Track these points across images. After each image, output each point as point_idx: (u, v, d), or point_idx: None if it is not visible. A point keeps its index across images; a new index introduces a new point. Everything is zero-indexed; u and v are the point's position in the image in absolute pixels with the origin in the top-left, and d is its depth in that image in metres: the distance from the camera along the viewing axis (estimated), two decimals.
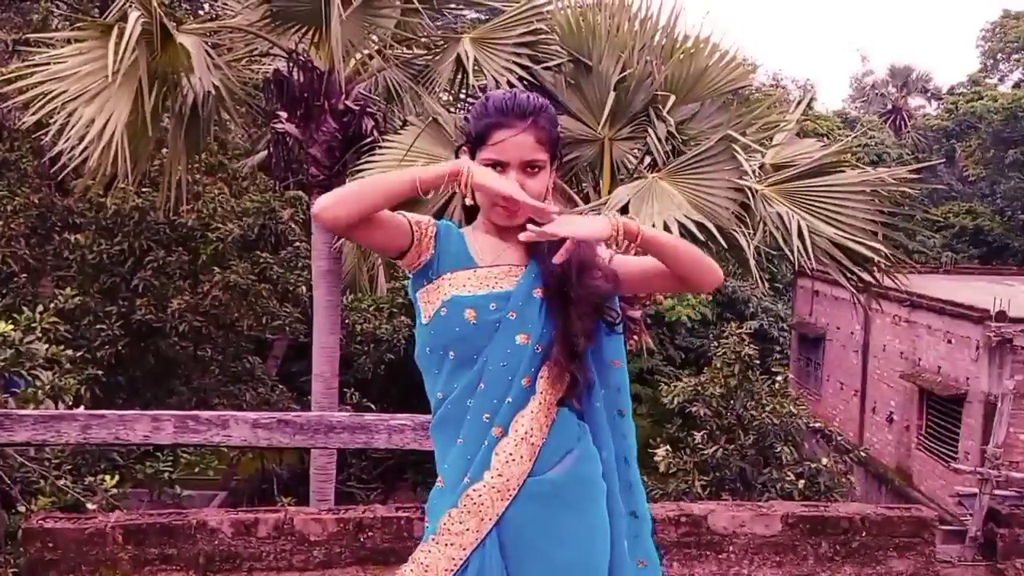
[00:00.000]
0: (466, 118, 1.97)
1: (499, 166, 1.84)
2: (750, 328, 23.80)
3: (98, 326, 11.28)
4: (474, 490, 1.84)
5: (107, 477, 5.29)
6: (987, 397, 13.17)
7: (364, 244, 1.87)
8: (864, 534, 3.67)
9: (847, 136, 35.42)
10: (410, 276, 1.94)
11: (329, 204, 1.77)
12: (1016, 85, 37.24)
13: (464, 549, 1.82)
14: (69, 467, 5.36)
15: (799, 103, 9.34)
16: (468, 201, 1.81)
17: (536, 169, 1.86)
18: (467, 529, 1.82)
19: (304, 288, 13.16)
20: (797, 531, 3.65)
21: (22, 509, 4.35)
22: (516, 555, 1.81)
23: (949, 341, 14.55)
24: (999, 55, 38.72)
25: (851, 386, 18.42)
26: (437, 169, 1.75)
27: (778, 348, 24.77)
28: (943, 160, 35.50)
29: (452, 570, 1.83)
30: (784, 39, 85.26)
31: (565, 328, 1.83)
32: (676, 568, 3.58)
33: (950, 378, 14.22)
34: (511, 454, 1.82)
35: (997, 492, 6.89)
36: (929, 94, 45.87)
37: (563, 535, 1.82)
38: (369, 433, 3.41)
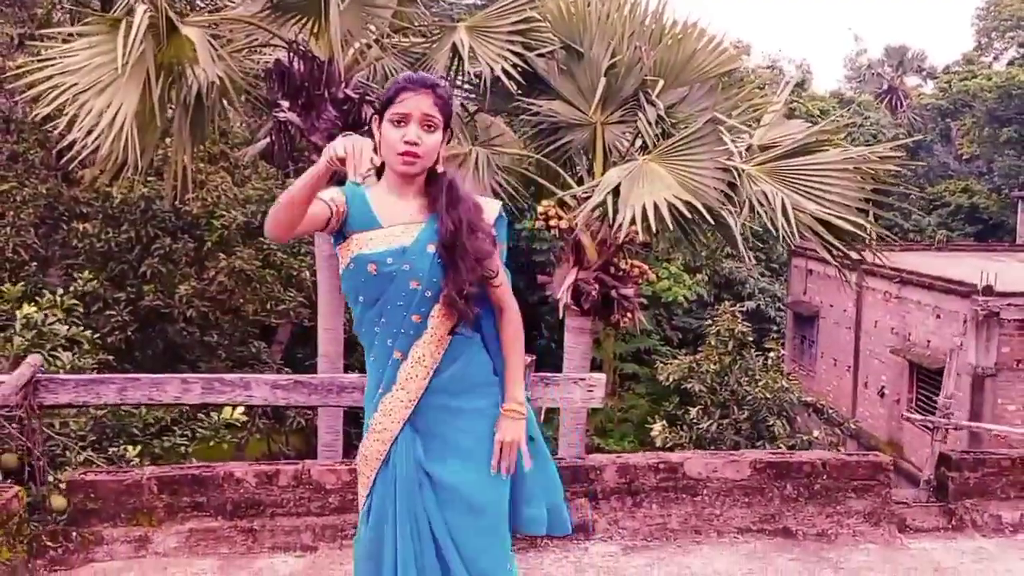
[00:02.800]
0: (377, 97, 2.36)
1: (403, 120, 2.23)
2: (747, 308, 24.13)
3: (108, 312, 11.57)
4: (386, 399, 2.33)
5: (129, 447, 5.62)
6: (974, 369, 13.48)
7: (307, 235, 2.36)
8: (825, 477, 3.97)
9: (842, 116, 35.64)
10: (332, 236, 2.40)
11: (270, 227, 2.22)
12: (1010, 63, 37.32)
13: (385, 443, 2.33)
14: (93, 439, 5.70)
15: (786, 85, 9.52)
16: (377, 161, 2.17)
17: (431, 127, 2.24)
18: (385, 428, 2.33)
19: (308, 273, 13.45)
20: (764, 475, 3.97)
21: (49, 479, 4.63)
22: (426, 441, 2.32)
23: (938, 316, 14.84)
24: (993, 33, 38.80)
25: (844, 362, 18.71)
26: (322, 160, 2.12)
27: (775, 328, 25.02)
28: (923, 138, 35.53)
29: (381, 456, 2.34)
30: (782, 21, 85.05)
31: (454, 276, 2.23)
32: (656, 509, 3.91)
33: (938, 352, 14.51)
34: (409, 373, 2.30)
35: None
36: (925, 73, 45.94)
37: (459, 425, 2.33)
38: None
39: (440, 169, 2.32)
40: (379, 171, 2.33)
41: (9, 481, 3.82)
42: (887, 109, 41.04)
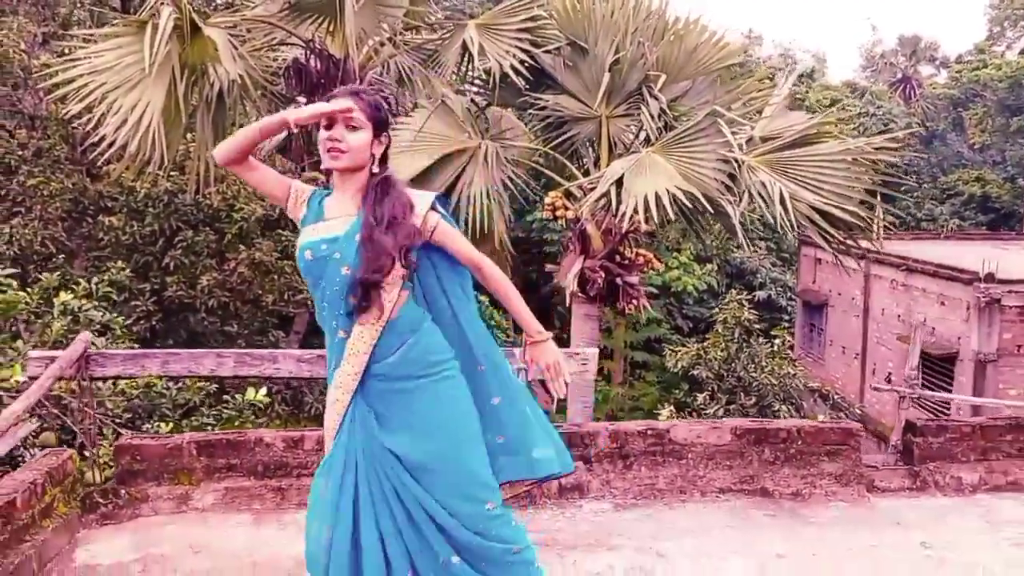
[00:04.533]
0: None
1: (329, 123, 2.54)
2: (757, 298, 24.36)
3: (133, 302, 11.98)
4: (338, 373, 2.61)
5: (162, 424, 6.03)
6: (977, 355, 13.74)
7: (256, 188, 2.67)
8: (800, 442, 4.32)
9: (849, 107, 35.66)
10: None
11: (219, 148, 2.59)
12: (1021, 52, 37.26)
13: (339, 414, 2.62)
14: (128, 416, 6.11)
15: (788, 78, 9.75)
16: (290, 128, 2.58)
17: (354, 127, 2.54)
18: (338, 400, 2.61)
19: None
20: (744, 440, 4.32)
21: (87, 454, 5.02)
22: (379, 417, 2.60)
23: (942, 303, 15.09)
24: (1006, 23, 38.75)
25: (852, 349, 18.96)
26: (279, 116, 2.55)
27: (786, 317, 25.23)
28: (935, 127, 35.42)
29: (336, 426, 2.62)
30: (800, 10, 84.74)
31: (364, 264, 2.49)
32: (645, 471, 4.27)
33: (943, 338, 14.77)
34: (351, 349, 2.57)
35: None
36: (938, 63, 45.88)
37: (405, 403, 2.60)
38: None
39: (376, 169, 2.61)
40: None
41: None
42: (900, 98, 41.02)
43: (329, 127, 2.54)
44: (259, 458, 4.10)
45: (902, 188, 36.11)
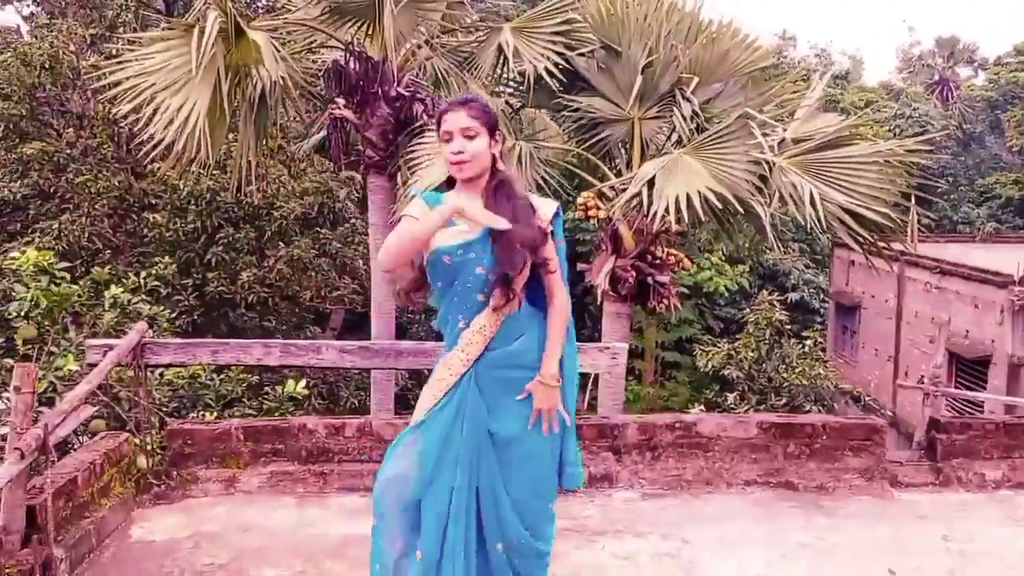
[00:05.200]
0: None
1: (448, 137, 2.73)
2: (790, 299, 24.29)
3: (175, 297, 12.30)
4: (449, 355, 2.82)
5: (206, 414, 6.27)
6: (1010, 359, 13.67)
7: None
8: (825, 437, 4.43)
9: (882, 109, 35.34)
10: None
11: (391, 263, 2.77)
12: None
13: (441, 390, 2.80)
14: (175, 406, 6.35)
15: (820, 81, 9.76)
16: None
17: (472, 136, 2.73)
18: (442, 379, 2.81)
19: (360, 262, 14.11)
20: (770, 435, 4.44)
21: (136, 441, 5.25)
22: (488, 404, 2.79)
23: (976, 306, 15.01)
24: None
25: (885, 352, 18.88)
26: (439, 213, 2.68)
27: (819, 319, 25.14)
28: (973, 129, 34.91)
29: (435, 399, 2.81)
30: (834, 12, 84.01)
31: (501, 262, 2.69)
32: (672, 463, 4.42)
33: (977, 341, 14.70)
34: (469, 339, 2.77)
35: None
36: (976, 64, 45.33)
37: (513, 392, 2.80)
38: (428, 356, 4.30)
39: (501, 167, 2.81)
40: (453, 181, 2.86)
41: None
42: (937, 100, 40.61)
43: (449, 141, 2.74)
44: (302, 444, 4.31)
45: (938, 191, 35.81)
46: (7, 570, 2.99)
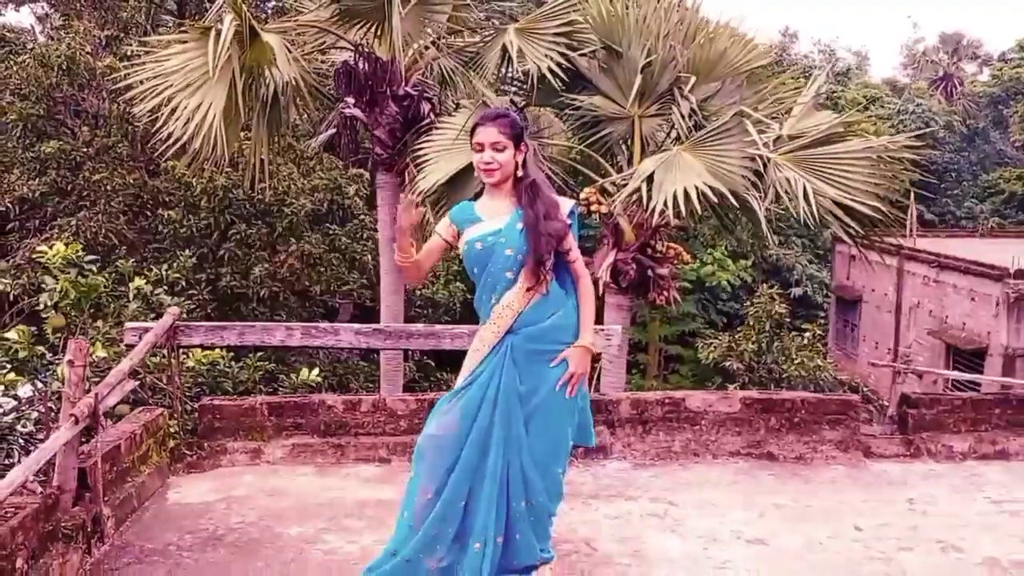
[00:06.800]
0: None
1: (480, 147, 3.16)
2: (793, 294, 24.55)
3: (190, 291, 12.65)
4: (482, 329, 3.23)
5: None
6: (1005, 350, 13.97)
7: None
8: (803, 412, 4.78)
9: (894, 103, 35.52)
10: None
11: (409, 280, 3.40)
12: None
13: (476, 361, 3.21)
14: (197, 391, 6.70)
15: (816, 78, 10.01)
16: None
17: (500, 148, 3.15)
18: (477, 349, 3.22)
19: (369, 257, 14.46)
20: (752, 409, 4.79)
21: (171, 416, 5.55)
22: (521, 374, 3.18)
23: (972, 299, 15.32)
24: None
25: (884, 344, 19.20)
26: (400, 233, 3.17)
27: (822, 314, 25.41)
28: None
29: (472, 367, 3.21)
30: (839, 8, 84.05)
31: (535, 247, 3.11)
32: (662, 435, 4.77)
33: (973, 333, 15.01)
34: (499, 312, 3.18)
35: None
36: (980, 60, 45.51)
37: (543, 362, 3.20)
38: (437, 339, 4.67)
39: (524, 173, 3.21)
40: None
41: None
42: (942, 96, 40.81)
43: (480, 151, 3.16)
44: (322, 418, 4.68)
45: (942, 186, 36.02)
46: (63, 524, 3.35)
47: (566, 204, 3.28)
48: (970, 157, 37.99)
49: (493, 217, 3.22)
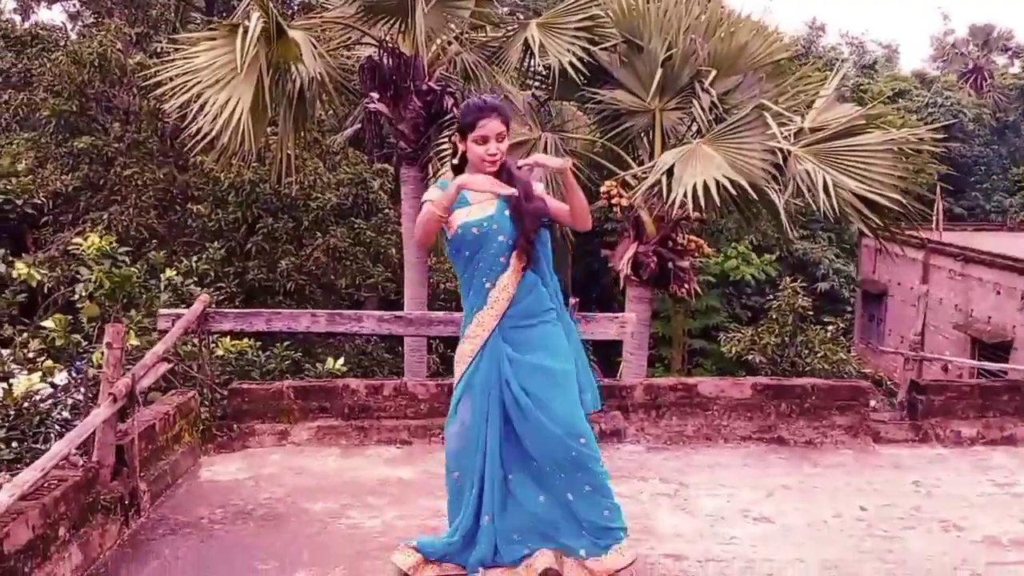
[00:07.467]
0: (457, 114, 3.48)
1: (484, 140, 3.21)
2: (820, 289, 24.45)
3: (218, 284, 12.90)
4: (479, 314, 3.32)
5: None
6: None
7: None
8: (814, 397, 4.89)
9: (923, 96, 35.19)
10: None
11: (421, 242, 3.41)
12: None
13: (476, 346, 3.32)
14: (225, 379, 6.90)
15: (836, 72, 9.98)
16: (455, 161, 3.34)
17: (502, 139, 3.25)
18: (476, 335, 3.32)
19: (393, 250, 14.65)
20: (763, 395, 4.91)
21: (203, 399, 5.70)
22: (511, 343, 3.30)
23: (998, 292, 15.25)
24: None
25: (910, 338, 19.08)
26: (447, 193, 3.21)
27: (849, 309, 25.32)
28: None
29: (471, 355, 3.32)
30: (869, 1, 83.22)
31: (523, 228, 3.25)
32: (675, 421, 4.91)
33: (998, 327, 14.95)
34: (496, 297, 3.28)
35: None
36: (1011, 52, 44.96)
37: (531, 333, 3.33)
38: (457, 325, 4.79)
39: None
40: (462, 167, 3.37)
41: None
42: (971, 89, 40.39)
43: (484, 143, 3.24)
44: (346, 402, 4.87)
45: (971, 180, 35.67)
46: (102, 496, 3.55)
47: (537, 185, 3.38)
48: (1000, 150, 37.59)
49: (480, 202, 3.30)
